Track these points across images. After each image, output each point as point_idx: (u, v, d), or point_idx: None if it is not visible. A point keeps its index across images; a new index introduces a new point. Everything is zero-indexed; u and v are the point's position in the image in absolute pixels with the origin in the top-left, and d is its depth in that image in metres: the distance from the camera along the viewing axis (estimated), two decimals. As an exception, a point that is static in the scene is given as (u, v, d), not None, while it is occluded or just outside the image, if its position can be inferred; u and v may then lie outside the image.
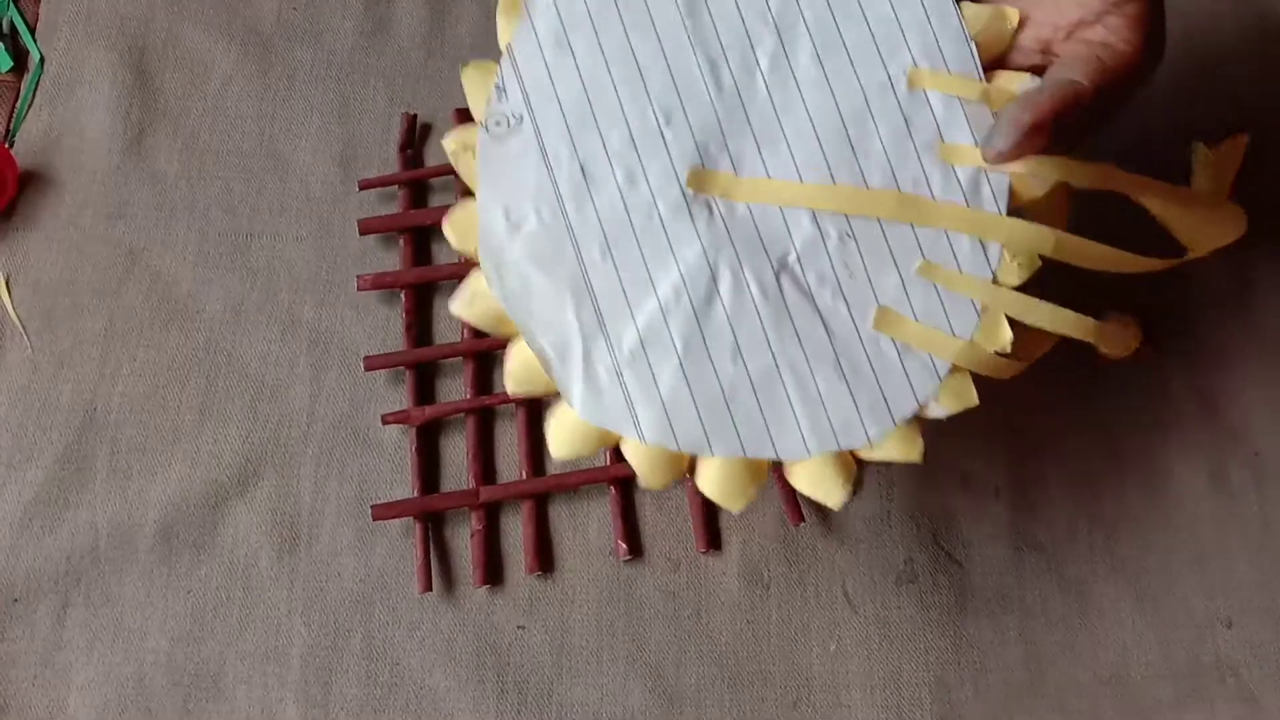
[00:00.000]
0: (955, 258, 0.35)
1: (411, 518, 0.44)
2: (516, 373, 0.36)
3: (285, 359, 0.47)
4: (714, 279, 0.35)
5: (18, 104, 0.52)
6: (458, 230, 0.36)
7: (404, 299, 0.47)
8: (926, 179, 0.35)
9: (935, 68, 0.35)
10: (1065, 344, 0.44)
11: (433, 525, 0.44)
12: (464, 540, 0.44)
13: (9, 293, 0.48)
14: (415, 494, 0.44)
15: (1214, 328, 0.46)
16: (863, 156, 0.35)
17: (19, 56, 0.53)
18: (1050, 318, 0.35)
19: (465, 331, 0.47)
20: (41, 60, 0.53)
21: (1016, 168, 0.34)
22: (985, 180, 0.35)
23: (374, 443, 0.46)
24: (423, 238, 0.49)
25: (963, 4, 0.36)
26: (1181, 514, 0.43)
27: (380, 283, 0.47)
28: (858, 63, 0.35)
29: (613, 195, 0.35)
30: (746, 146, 0.35)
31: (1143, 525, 0.43)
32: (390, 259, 0.49)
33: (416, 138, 0.51)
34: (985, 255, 0.35)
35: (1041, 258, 0.34)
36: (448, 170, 0.49)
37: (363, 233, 0.48)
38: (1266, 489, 0.43)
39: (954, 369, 0.34)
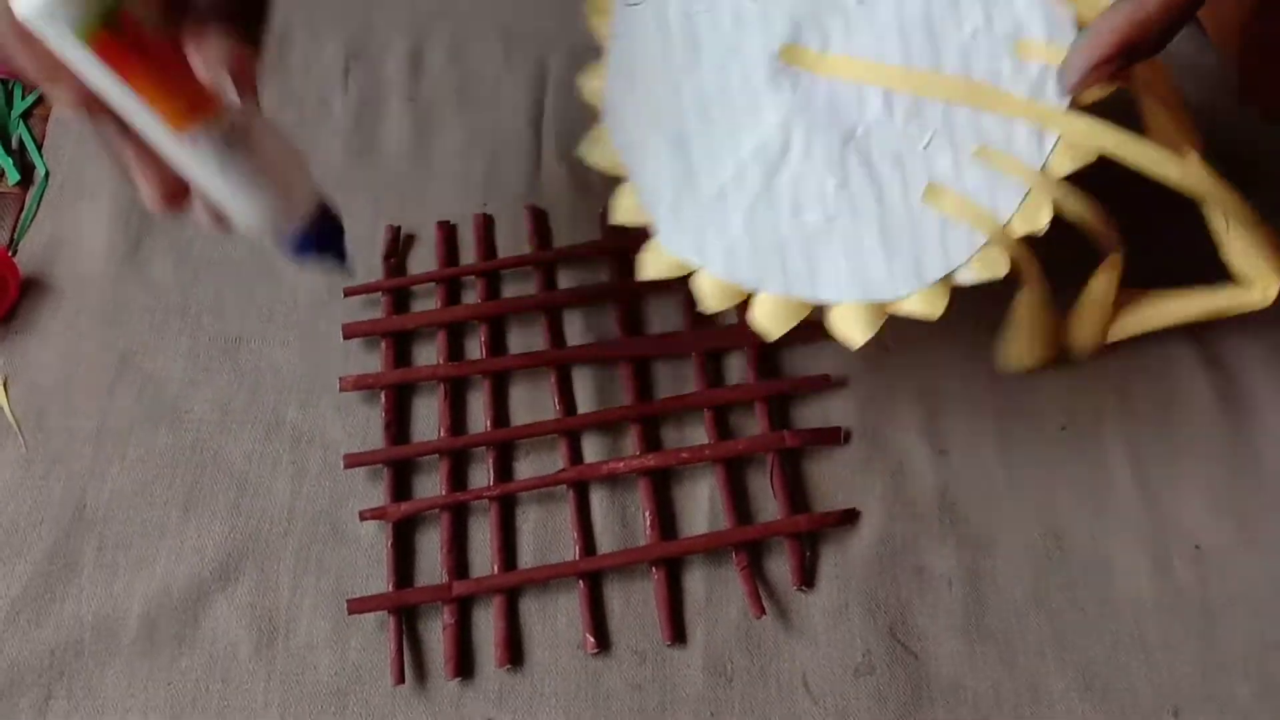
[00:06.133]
0: (1011, 148, 0.38)
1: (386, 611, 0.45)
2: (620, 212, 0.43)
3: (269, 457, 0.49)
4: (788, 143, 0.40)
5: (22, 214, 0.55)
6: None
7: (384, 399, 0.50)
8: (999, 72, 0.39)
9: None
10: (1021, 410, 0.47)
11: (406, 619, 0.46)
12: (436, 633, 0.45)
13: (6, 393, 0.50)
14: (390, 588, 0.46)
15: (1155, 419, 0.48)
16: (942, 45, 0.39)
17: (26, 170, 0.57)
18: (1085, 211, 0.38)
19: (442, 430, 0.49)
20: (47, 174, 0.56)
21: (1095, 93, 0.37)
22: (1052, 77, 0.38)
23: (351, 538, 0.47)
24: (403, 341, 0.51)
25: None
26: (1126, 603, 0.45)
27: (362, 384, 0.50)
28: None
29: (716, 65, 0.41)
30: (835, 27, 0.40)
31: (1089, 614, 0.45)
32: (372, 361, 0.51)
33: (400, 247, 0.54)
34: (1040, 148, 0.38)
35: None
36: (428, 278, 0.52)
37: (346, 337, 0.51)
38: (1208, 579, 0.45)
39: (989, 243, 0.38)
